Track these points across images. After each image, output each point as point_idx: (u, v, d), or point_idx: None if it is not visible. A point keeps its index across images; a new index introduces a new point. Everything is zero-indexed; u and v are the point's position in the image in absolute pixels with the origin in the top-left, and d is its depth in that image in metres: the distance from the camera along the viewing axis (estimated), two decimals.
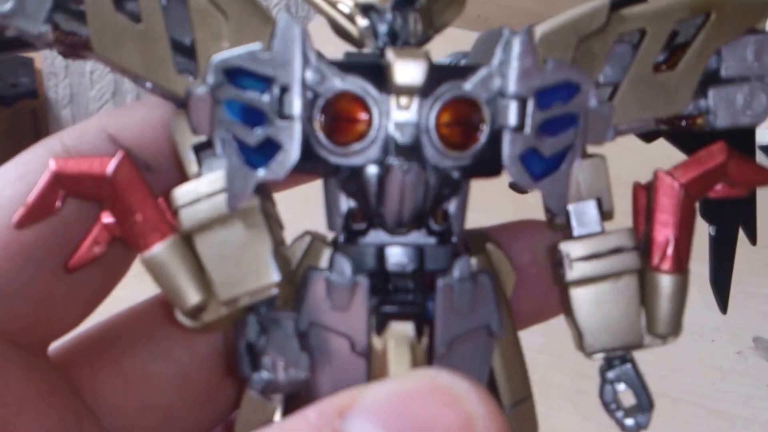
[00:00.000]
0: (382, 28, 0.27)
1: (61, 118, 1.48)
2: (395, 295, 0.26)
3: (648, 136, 0.34)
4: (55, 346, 0.33)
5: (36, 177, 0.29)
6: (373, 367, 0.26)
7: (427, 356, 0.26)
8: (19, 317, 0.30)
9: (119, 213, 0.27)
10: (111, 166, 0.27)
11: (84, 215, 0.29)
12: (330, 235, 0.29)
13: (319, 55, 0.29)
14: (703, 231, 0.31)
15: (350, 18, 0.28)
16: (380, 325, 0.26)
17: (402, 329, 0.26)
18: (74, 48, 0.28)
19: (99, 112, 0.34)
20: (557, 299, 0.32)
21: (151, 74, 0.27)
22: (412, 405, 0.21)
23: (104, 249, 0.29)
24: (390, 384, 0.22)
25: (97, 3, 0.26)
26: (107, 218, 0.27)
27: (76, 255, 0.29)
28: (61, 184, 0.27)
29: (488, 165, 0.26)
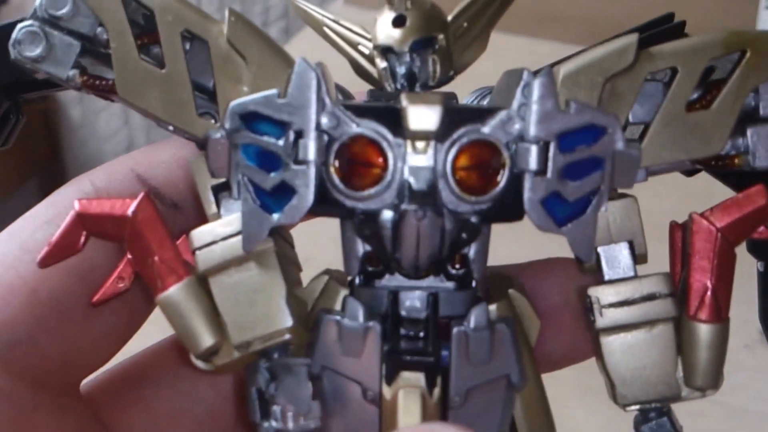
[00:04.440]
0: (401, 71, 0.27)
1: (71, 118, 1.47)
2: (407, 342, 0.26)
3: (688, 171, 0.33)
4: (84, 383, 0.33)
5: (65, 219, 0.29)
6: (384, 417, 0.25)
7: (439, 407, 0.25)
8: (48, 360, 0.30)
9: (138, 254, 0.27)
10: (131, 207, 0.27)
11: (110, 260, 0.30)
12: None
13: (341, 90, 0.29)
14: None
15: (370, 59, 0.28)
16: (391, 373, 0.25)
17: (413, 379, 0.25)
18: (101, 91, 0.28)
19: (129, 153, 0.34)
20: (589, 341, 0.31)
21: (172, 118, 0.27)
22: None
23: (128, 285, 0.29)
24: None
25: (122, 50, 0.27)
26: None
27: (101, 290, 0.29)
28: (84, 224, 0.27)
29: (509, 209, 0.26)
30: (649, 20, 0.34)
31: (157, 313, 0.34)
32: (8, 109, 0.32)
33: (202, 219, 0.28)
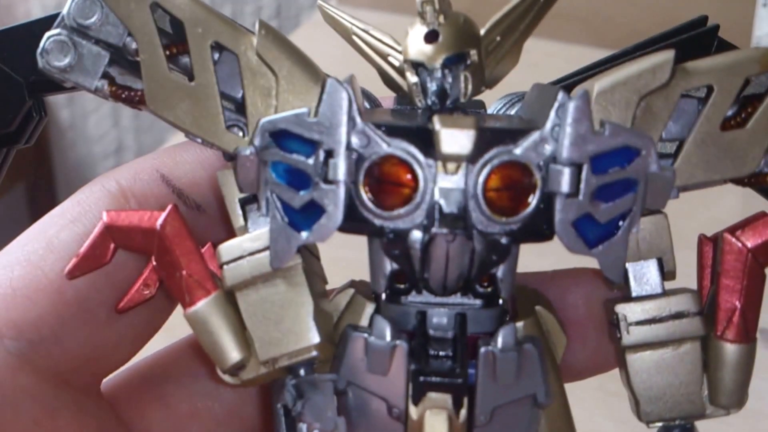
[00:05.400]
0: (432, 87, 0.26)
1: (59, 120, 1.47)
2: (434, 361, 0.26)
3: None
4: (105, 381, 0.33)
5: (91, 218, 0.29)
6: None
7: (466, 427, 0.25)
8: (72, 358, 0.30)
9: (166, 267, 0.27)
10: (159, 220, 0.27)
11: (135, 260, 0.30)
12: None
13: (367, 96, 0.29)
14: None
15: (400, 71, 0.28)
16: (417, 393, 0.25)
17: (440, 400, 0.25)
18: (129, 102, 0.28)
19: (154, 151, 0.34)
20: (613, 353, 0.31)
21: (201, 131, 0.27)
22: None
23: (154, 292, 0.29)
24: None
25: (151, 62, 0.27)
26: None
27: (127, 297, 0.29)
28: (112, 236, 0.27)
29: (539, 229, 0.25)
30: (681, 24, 0.33)
31: (177, 312, 0.34)
32: (30, 107, 0.32)
33: (226, 222, 0.28)
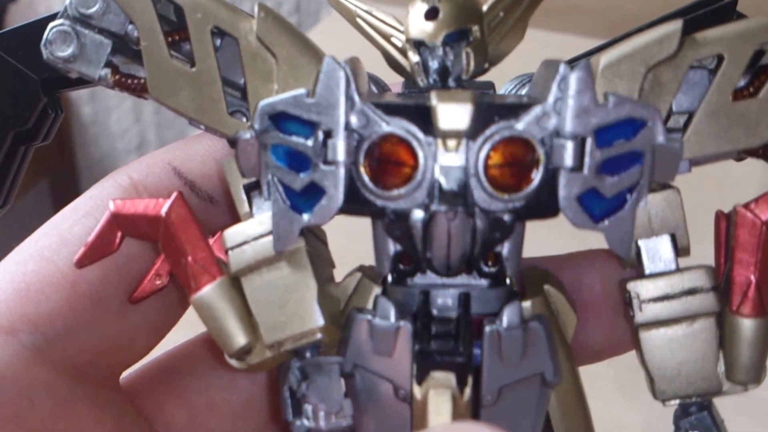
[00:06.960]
0: (433, 65, 0.26)
1: (82, 116, 1.48)
2: (438, 341, 0.25)
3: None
4: (124, 375, 0.34)
5: (103, 212, 0.30)
6: (415, 417, 0.25)
7: (471, 406, 0.25)
8: (88, 351, 0.31)
9: (172, 254, 0.27)
10: (164, 207, 0.27)
11: (146, 252, 0.30)
12: None
13: (375, 81, 0.29)
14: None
15: (403, 52, 0.27)
16: (422, 373, 0.25)
17: (444, 379, 0.25)
18: (133, 90, 0.28)
19: (165, 146, 0.35)
20: (630, 334, 0.31)
21: (203, 117, 0.27)
22: None
23: (166, 282, 0.29)
24: None
25: (152, 49, 0.27)
26: None
27: (139, 288, 0.30)
28: (119, 224, 0.27)
29: (543, 206, 0.25)
30: None
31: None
32: (46, 105, 0.32)
33: (235, 211, 0.28)
